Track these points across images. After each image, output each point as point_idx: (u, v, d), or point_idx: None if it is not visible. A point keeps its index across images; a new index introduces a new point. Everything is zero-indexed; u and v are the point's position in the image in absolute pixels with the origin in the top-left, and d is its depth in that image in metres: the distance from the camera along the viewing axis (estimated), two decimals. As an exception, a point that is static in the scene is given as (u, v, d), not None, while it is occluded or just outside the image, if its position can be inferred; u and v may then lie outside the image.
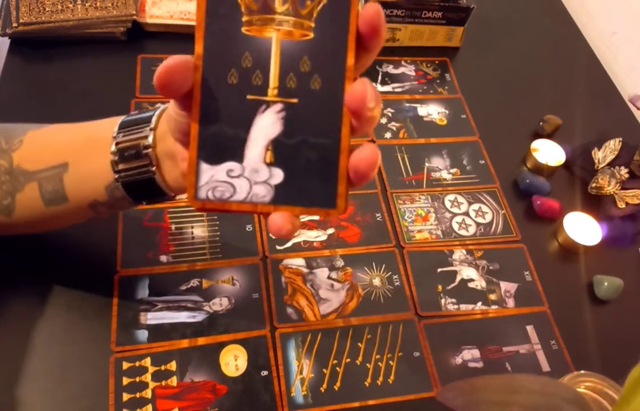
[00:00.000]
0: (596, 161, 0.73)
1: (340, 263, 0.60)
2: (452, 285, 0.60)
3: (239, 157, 0.34)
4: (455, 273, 0.61)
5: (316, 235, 0.62)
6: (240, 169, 0.34)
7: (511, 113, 0.80)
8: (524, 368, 0.55)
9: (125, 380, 0.49)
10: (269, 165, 0.34)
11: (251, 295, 0.56)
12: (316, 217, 0.61)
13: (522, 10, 0.97)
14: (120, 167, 0.43)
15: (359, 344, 0.55)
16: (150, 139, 0.42)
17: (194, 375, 0.50)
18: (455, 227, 0.65)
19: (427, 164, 0.71)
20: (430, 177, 0.69)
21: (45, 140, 0.48)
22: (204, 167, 0.33)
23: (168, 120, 0.39)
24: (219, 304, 0.55)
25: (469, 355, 0.56)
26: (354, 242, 0.62)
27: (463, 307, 0.59)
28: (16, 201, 0.46)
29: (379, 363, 0.54)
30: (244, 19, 0.33)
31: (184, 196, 0.50)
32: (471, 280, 0.61)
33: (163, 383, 0.50)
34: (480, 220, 0.66)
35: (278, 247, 0.60)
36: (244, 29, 0.33)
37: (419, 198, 0.67)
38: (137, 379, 0.50)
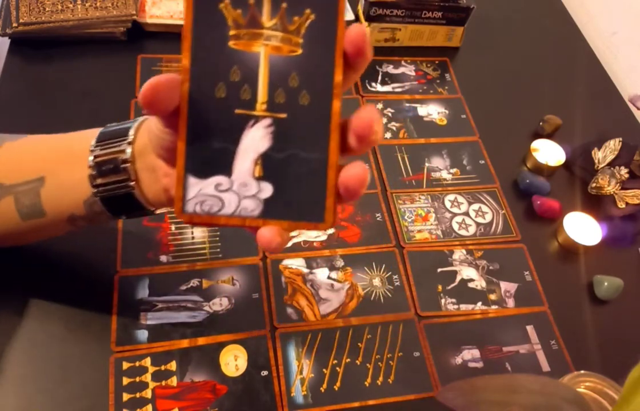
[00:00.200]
0: (596, 161, 0.73)
1: (340, 263, 0.60)
2: (452, 285, 0.60)
3: (227, 171, 0.34)
4: (455, 273, 0.61)
5: (316, 235, 0.62)
6: (228, 183, 0.34)
7: (511, 113, 0.80)
8: (524, 368, 0.55)
9: (125, 380, 0.49)
10: (258, 179, 0.34)
11: (251, 295, 0.56)
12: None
13: (522, 10, 0.97)
14: (99, 181, 0.42)
15: (359, 344, 0.55)
16: (128, 153, 0.41)
17: (194, 375, 0.50)
18: (455, 227, 0.65)
19: (427, 164, 0.71)
20: (430, 177, 0.69)
21: (22, 153, 0.47)
22: (192, 180, 0.33)
23: (149, 135, 0.39)
24: (219, 304, 0.55)
25: (469, 355, 0.56)
26: (354, 242, 0.62)
27: (463, 306, 0.59)
28: None
29: (379, 363, 0.54)
30: (232, 32, 0.33)
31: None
32: (471, 280, 0.61)
33: (163, 383, 0.50)
34: (480, 220, 0.66)
35: (278, 247, 0.60)
36: (231, 43, 0.33)
37: (419, 198, 0.67)
38: (137, 379, 0.50)
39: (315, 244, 0.61)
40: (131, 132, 0.42)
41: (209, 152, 0.33)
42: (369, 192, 0.66)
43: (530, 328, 0.58)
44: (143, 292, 0.54)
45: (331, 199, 0.34)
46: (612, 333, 0.60)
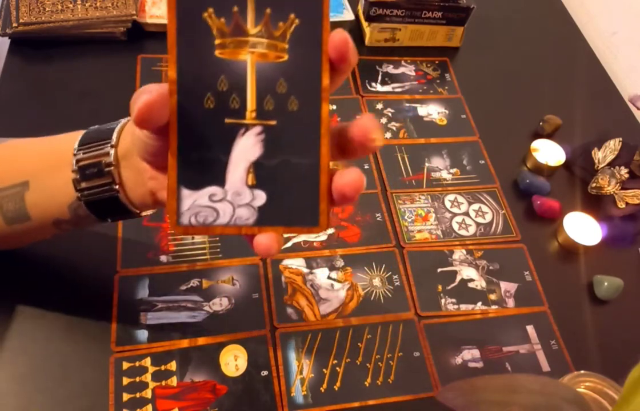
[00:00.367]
0: (596, 161, 0.73)
1: (340, 263, 0.60)
2: (452, 285, 0.60)
3: (220, 181, 0.33)
4: (455, 273, 0.61)
5: (316, 235, 0.62)
6: (222, 193, 0.34)
7: (511, 113, 0.80)
8: (524, 368, 0.55)
9: (125, 380, 0.49)
10: (251, 187, 0.34)
11: (251, 295, 0.56)
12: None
13: (522, 10, 0.97)
14: (83, 185, 0.42)
15: (359, 344, 0.55)
16: (111, 156, 0.40)
17: (194, 375, 0.50)
18: (455, 227, 0.65)
19: (427, 164, 0.71)
20: (430, 177, 0.69)
21: (6, 157, 0.46)
22: (185, 192, 0.33)
23: (133, 139, 0.38)
24: (219, 304, 0.55)
25: (469, 355, 0.56)
26: (354, 242, 0.62)
27: (463, 306, 0.59)
28: None
29: (379, 363, 0.54)
30: (217, 42, 0.32)
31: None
32: (471, 280, 0.61)
33: (163, 383, 0.50)
34: (480, 220, 0.66)
35: (278, 247, 0.60)
36: (217, 53, 0.32)
37: (419, 198, 0.67)
38: (137, 379, 0.50)
39: (315, 244, 0.61)
40: (114, 135, 0.41)
41: (201, 163, 0.33)
42: (369, 192, 0.66)
43: (530, 328, 0.58)
44: (143, 292, 0.54)
45: (324, 203, 0.34)
46: (612, 333, 0.60)
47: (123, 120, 0.42)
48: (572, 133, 0.77)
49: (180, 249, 0.58)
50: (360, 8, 0.84)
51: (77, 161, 0.41)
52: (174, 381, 0.50)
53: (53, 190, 0.43)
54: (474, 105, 0.78)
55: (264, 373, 0.51)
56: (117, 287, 0.54)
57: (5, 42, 0.72)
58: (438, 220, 0.66)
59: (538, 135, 0.77)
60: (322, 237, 0.62)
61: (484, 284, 0.61)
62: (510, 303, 0.60)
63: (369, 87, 0.78)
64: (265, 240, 0.33)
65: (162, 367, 0.50)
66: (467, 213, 0.67)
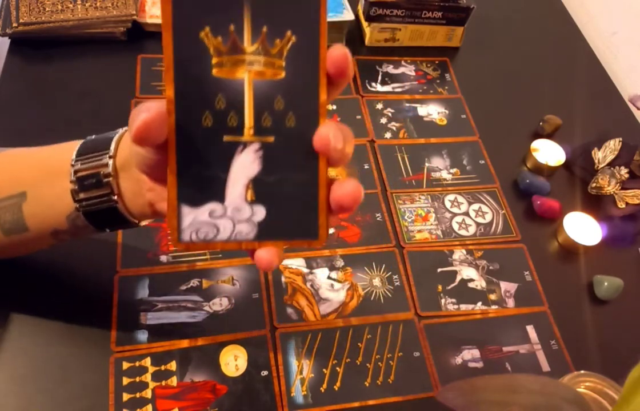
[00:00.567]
0: (596, 161, 0.73)
1: (340, 263, 0.60)
2: (452, 285, 0.60)
3: (220, 197, 0.34)
4: (455, 273, 0.61)
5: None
6: (222, 209, 0.34)
7: (511, 113, 0.80)
8: (524, 368, 0.55)
9: (125, 380, 0.49)
10: (251, 203, 0.34)
11: (251, 295, 0.56)
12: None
13: (522, 10, 0.97)
14: (81, 196, 0.41)
15: (359, 344, 0.55)
16: (110, 167, 0.40)
17: (194, 375, 0.50)
18: (455, 227, 0.65)
19: (427, 164, 0.71)
20: (430, 177, 0.69)
21: (3, 168, 0.46)
22: (186, 210, 0.34)
23: (132, 153, 0.38)
24: (219, 304, 0.55)
25: (469, 355, 0.56)
26: (354, 242, 0.62)
27: (463, 306, 0.59)
28: None
29: (379, 363, 0.54)
30: (214, 60, 0.32)
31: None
32: (471, 280, 0.61)
33: (163, 383, 0.50)
34: (480, 220, 0.66)
35: (278, 247, 0.60)
36: (214, 71, 0.33)
37: (419, 198, 0.67)
38: (137, 379, 0.50)
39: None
40: (112, 145, 0.41)
41: (200, 181, 0.33)
42: (369, 192, 0.66)
43: (530, 328, 0.58)
44: (143, 292, 0.54)
45: (323, 216, 0.34)
46: (612, 333, 0.60)
47: (121, 130, 0.42)
48: (572, 133, 0.77)
49: (180, 249, 0.58)
50: (360, 8, 0.84)
51: (75, 171, 0.41)
52: (174, 381, 0.50)
53: (51, 200, 0.43)
54: (474, 105, 0.78)
55: (264, 373, 0.51)
56: (117, 287, 0.54)
57: (5, 42, 0.72)
58: (438, 220, 0.66)
59: (538, 135, 0.77)
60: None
61: (484, 284, 0.61)
62: (510, 303, 0.60)
63: (369, 87, 0.78)
64: (265, 254, 0.34)
65: (162, 367, 0.50)
66: (467, 213, 0.67)
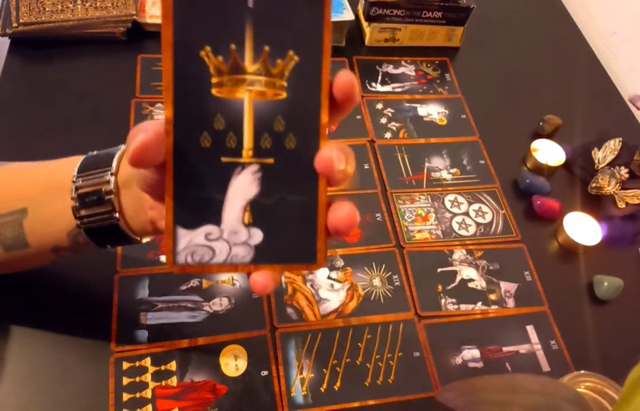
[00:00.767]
0: (596, 161, 0.73)
1: (340, 263, 0.60)
2: (452, 285, 0.60)
3: (216, 219, 0.33)
4: (455, 273, 0.61)
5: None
6: (218, 232, 0.33)
7: (511, 113, 0.80)
8: (524, 368, 0.55)
9: (125, 380, 0.49)
10: (248, 225, 0.33)
11: (251, 295, 0.56)
12: None
13: (522, 10, 0.97)
14: (82, 213, 0.41)
15: (359, 344, 0.55)
16: (112, 184, 0.40)
17: (194, 375, 0.50)
18: (455, 227, 0.65)
19: (427, 164, 0.71)
20: (430, 177, 0.69)
21: (3, 183, 0.46)
22: (181, 232, 0.33)
23: (132, 171, 0.37)
24: (219, 304, 0.55)
25: (469, 355, 0.56)
26: (354, 242, 0.62)
27: (463, 306, 0.59)
28: None
29: (379, 363, 0.54)
30: (214, 80, 0.32)
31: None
32: (471, 280, 0.61)
33: (163, 383, 0.50)
34: (480, 220, 0.66)
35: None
36: (214, 91, 0.32)
37: (419, 198, 0.67)
38: (137, 379, 0.50)
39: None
40: (114, 162, 0.40)
41: (197, 203, 0.33)
42: (369, 192, 0.67)
43: (530, 328, 0.58)
44: (143, 292, 0.54)
45: (322, 240, 0.34)
46: (612, 333, 0.60)
47: (123, 146, 0.41)
48: (572, 133, 0.77)
49: (180, 249, 0.58)
50: (360, 8, 0.84)
51: (77, 188, 0.41)
52: (174, 381, 0.50)
53: (52, 217, 0.43)
54: (474, 105, 0.78)
55: (264, 373, 0.51)
56: (117, 287, 0.54)
57: (5, 42, 0.72)
58: (438, 220, 0.66)
59: (538, 135, 0.77)
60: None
61: (484, 284, 0.61)
62: (510, 303, 0.60)
63: (369, 87, 0.78)
64: (261, 278, 0.33)
65: (162, 367, 0.50)
66: (467, 213, 0.67)
